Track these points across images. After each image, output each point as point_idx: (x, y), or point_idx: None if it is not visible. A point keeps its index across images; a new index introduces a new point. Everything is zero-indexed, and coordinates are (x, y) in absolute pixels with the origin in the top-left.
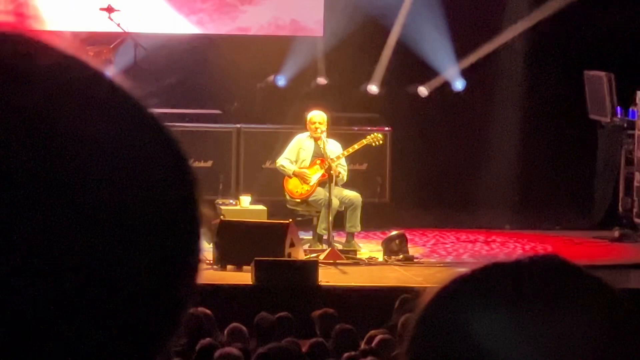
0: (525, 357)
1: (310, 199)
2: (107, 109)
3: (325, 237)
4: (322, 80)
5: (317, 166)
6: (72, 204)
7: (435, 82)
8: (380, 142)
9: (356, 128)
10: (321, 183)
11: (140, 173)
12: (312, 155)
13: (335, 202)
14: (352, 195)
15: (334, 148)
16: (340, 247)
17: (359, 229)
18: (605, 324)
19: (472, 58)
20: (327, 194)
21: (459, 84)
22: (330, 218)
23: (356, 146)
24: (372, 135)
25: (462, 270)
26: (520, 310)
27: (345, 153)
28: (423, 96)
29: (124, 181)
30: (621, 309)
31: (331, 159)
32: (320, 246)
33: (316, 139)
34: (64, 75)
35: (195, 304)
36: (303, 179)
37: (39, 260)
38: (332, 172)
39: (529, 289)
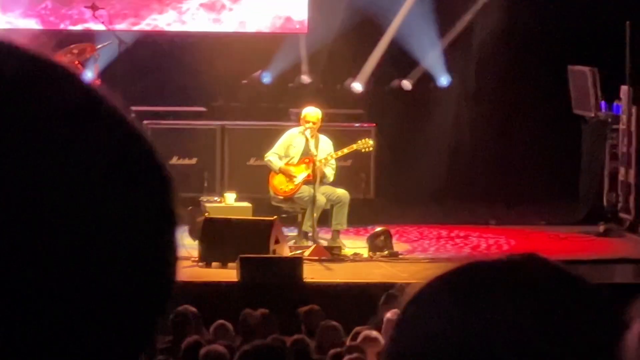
0: (506, 354)
1: (295, 196)
2: (80, 114)
3: (310, 234)
4: (305, 79)
5: (304, 165)
6: (40, 210)
7: (419, 78)
8: (370, 148)
9: (341, 124)
10: (306, 182)
11: (110, 177)
12: (302, 153)
13: (322, 200)
14: (340, 192)
15: (325, 146)
16: (325, 244)
17: (345, 226)
18: (584, 321)
19: (456, 51)
20: (312, 191)
21: (443, 80)
22: (316, 215)
23: (345, 150)
24: (362, 140)
25: (442, 269)
26: (499, 310)
27: (334, 155)
28: (407, 89)
29: (95, 187)
30: (601, 306)
31: (319, 160)
32: (306, 243)
33: (305, 135)
34: (33, 79)
35: (179, 302)
36: (289, 176)
37: (11, 268)
38: (319, 172)
39: (508, 288)
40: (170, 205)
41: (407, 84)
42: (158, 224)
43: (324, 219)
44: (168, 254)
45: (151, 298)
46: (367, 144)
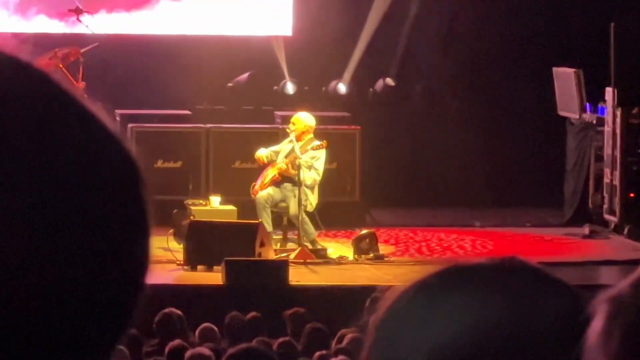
0: (485, 357)
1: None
2: (49, 108)
3: (270, 233)
4: (290, 89)
5: (276, 165)
6: (12, 206)
7: (405, 80)
8: (324, 147)
9: (326, 127)
10: (275, 182)
11: (81, 172)
12: (285, 156)
13: (265, 195)
14: (291, 210)
15: (312, 152)
16: (310, 246)
17: (314, 234)
18: (565, 324)
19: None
20: (272, 193)
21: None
22: (267, 216)
23: (308, 148)
24: (321, 142)
25: (422, 272)
26: (479, 313)
27: (299, 158)
28: (390, 85)
29: (64, 180)
30: (581, 308)
31: (279, 159)
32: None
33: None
34: (5, 78)
35: (164, 306)
36: (262, 176)
37: None
38: (279, 171)
39: (488, 290)
40: (143, 206)
41: (389, 82)
42: (129, 225)
43: (278, 221)
44: (138, 257)
45: (119, 300)
46: (323, 144)
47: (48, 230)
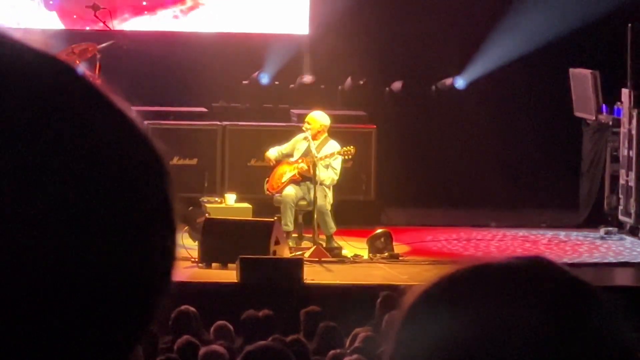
0: (511, 356)
1: (283, 194)
2: (76, 104)
3: (291, 232)
4: (308, 78)
5: (295, 165)
6: (33, 204)
7: (424, 80)
8: (350, 156)
9: (341, 126)
10: (294, 181)
11: (109, 170)
12: (302, 155)
13: (292, 194)
14: (319, 204)
15: (328, 150)
16: (325, 243)
17: (334, 229)
18: (589, 326)
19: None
20: (296, 192)
21: (460, 83)
22: (291, 215)
23: (328, 155)
24: (345, 148)
25: (447, 270)
26: (506, 312)
27: (318, 159)
28: (402, 90)
29: (91, 175)
30: (604, 310)
31: (301, 159)
32: (291, 243)
33: (307, 138)
34: (32, 71)
35: (179, 303)
36: (279, 174)
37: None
38: (299, 171)
39: (516, 290)
40: (169, 203)
41: (398, 85)
42: (156, 222)
43: (306, 220)
44: (164, 254)
45: (144, 297)
46: (349, 151)
47: (74, 226)
